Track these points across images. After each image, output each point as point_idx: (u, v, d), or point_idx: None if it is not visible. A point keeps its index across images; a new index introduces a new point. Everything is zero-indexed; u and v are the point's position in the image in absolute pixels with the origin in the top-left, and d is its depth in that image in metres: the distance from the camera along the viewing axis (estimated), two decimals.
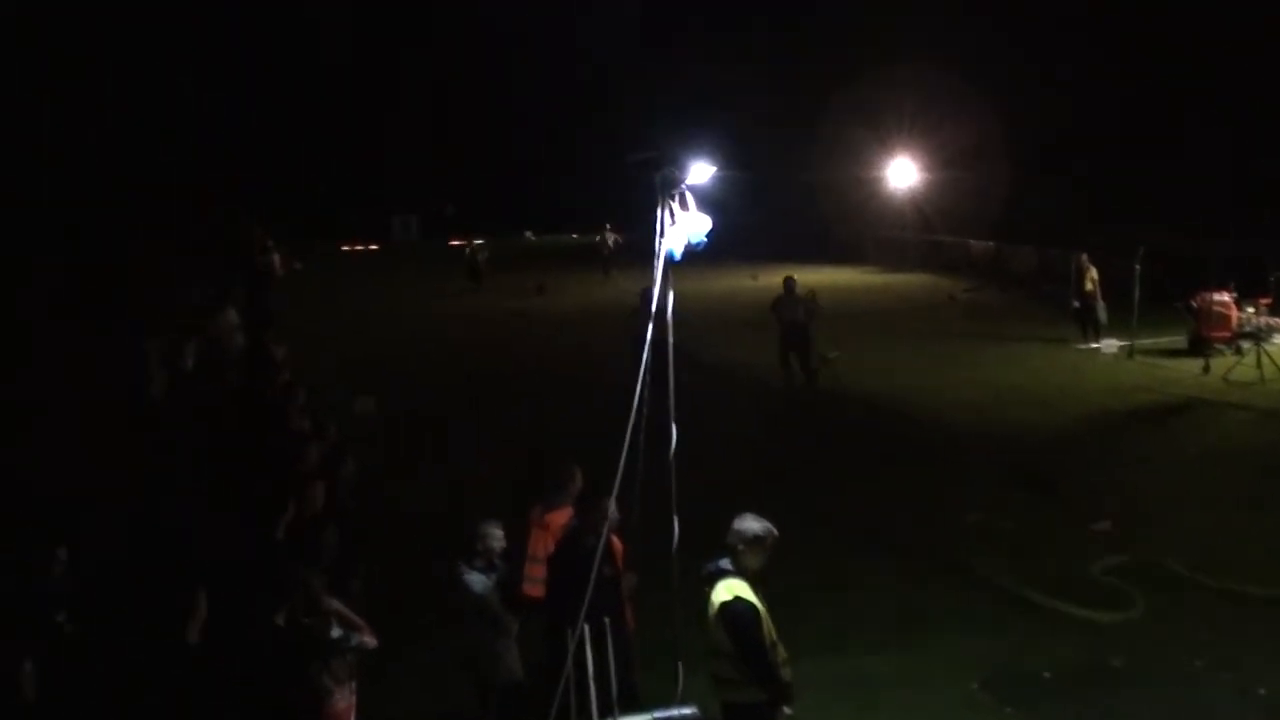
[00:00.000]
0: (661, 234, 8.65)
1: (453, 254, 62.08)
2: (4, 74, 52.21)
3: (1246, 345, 25.37)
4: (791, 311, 25.09)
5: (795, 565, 9.68)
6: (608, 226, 58.45)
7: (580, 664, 9.17)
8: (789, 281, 25.60)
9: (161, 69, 68.80)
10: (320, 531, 10.79)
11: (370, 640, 9.19)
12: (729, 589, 8.36)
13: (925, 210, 53.24)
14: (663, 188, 8.67)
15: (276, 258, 28.07)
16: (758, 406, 23.74)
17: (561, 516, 10.49)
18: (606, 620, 9.37)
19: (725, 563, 8.56)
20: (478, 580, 9.97)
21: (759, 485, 16.48)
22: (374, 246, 69.62)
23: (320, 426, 14.02)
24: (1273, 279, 27.01)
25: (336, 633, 9.00)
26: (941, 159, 52.48)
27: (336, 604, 9.19)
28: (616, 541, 9.88)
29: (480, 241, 55.75)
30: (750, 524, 8.63)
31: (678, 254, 8.70)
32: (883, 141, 54.31)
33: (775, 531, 8.64)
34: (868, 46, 53.51)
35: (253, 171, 68.52)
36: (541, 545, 10.52)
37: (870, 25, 54.45)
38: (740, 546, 8.56)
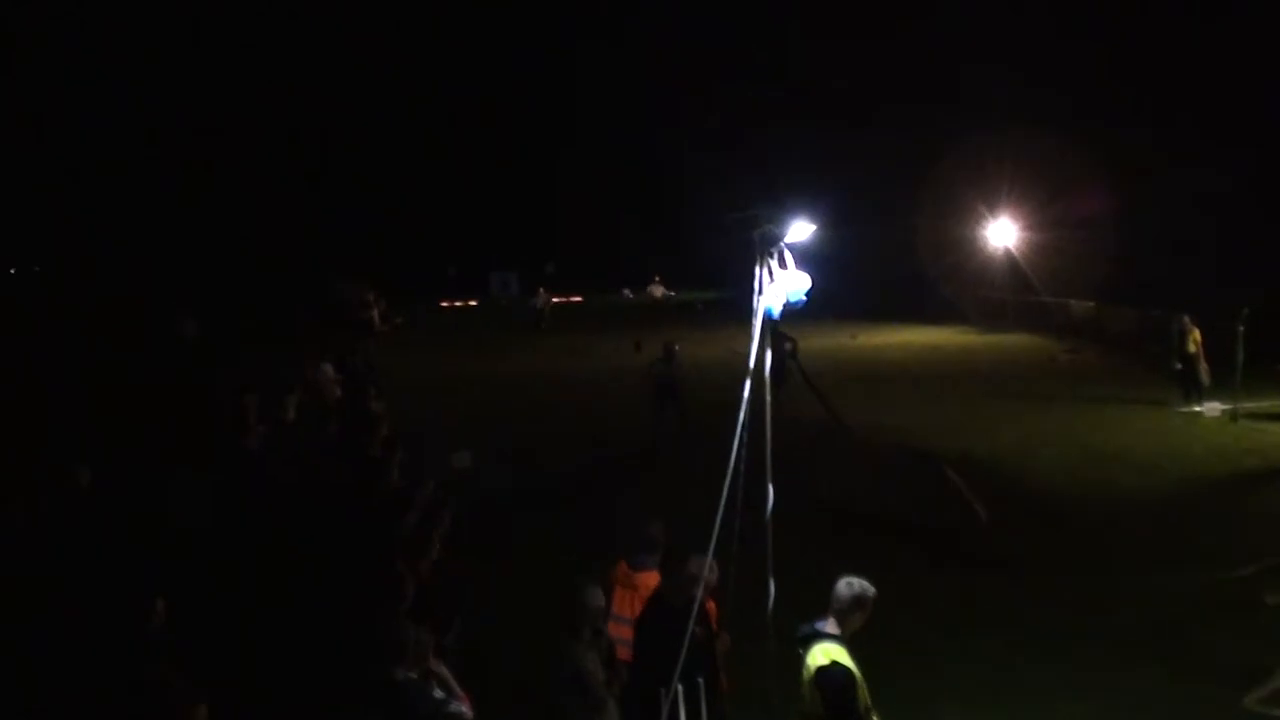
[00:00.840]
0: (760, 291, 8.61)
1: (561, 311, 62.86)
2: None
3: None
4: (777, 348, 26.42)
5: (888, 629, 9.50)
6: (656, 278, 58.91)
7: None
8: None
9: (283, 125, 70.43)
10: (432, 590, 10.76)
11: (468, 712, 9.07)
12: (825, 653, 8.22)
13: (1025, 270, 52.71)
14: (762, 245, 8.64)
15: (376, 312, 28.39)
16: (850, 465, 23.43)
17: (651, 578, 10.33)
18: (700, 681, 9.26)
19: (822, 625, 8.43)
20: (585, 654, 9.69)
21: (854, 546, 16.29)
22: (473, 303, 70.16)
23: (419, 481, 14.05)
24: None
25: (438, 694, 8.92)
26: (1042, 219, 52.03)
27: (443, 668, 9.11)
28: (711, 602, 9.73)
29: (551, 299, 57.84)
30: (850, 585, 8.49)
31: (776, 312, 8.65)
32: (984, 200, 53.94)
33: (873, 592, 8.50)
34: (971, 105, 53.28)
35: (355, 227, 69.67)
36: (627, 606, 10.35)
37: (974, 83, 54.22)
38: (840, 608, 8.44)
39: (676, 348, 25.97)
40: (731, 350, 38.52)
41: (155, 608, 9.33)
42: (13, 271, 65.63)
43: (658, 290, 59.30)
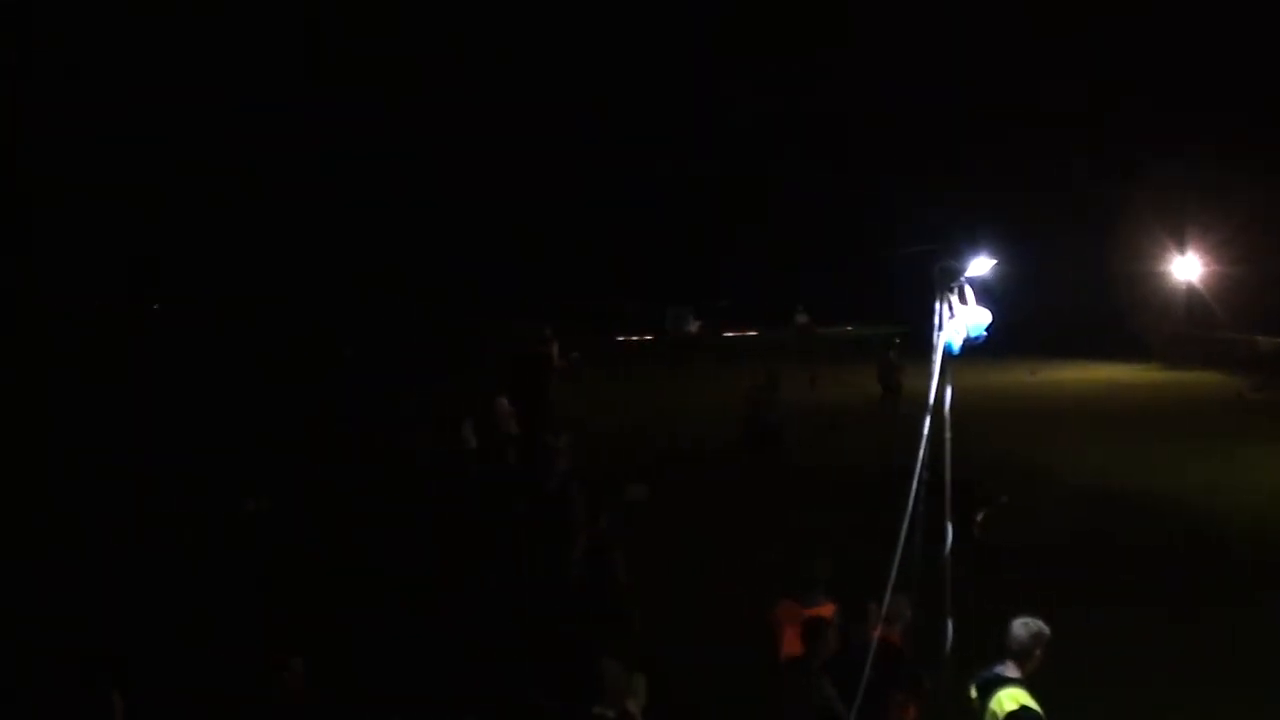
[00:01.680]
0: (940, 327, 8.51)
1: (726, 344, 62.80)
2: None
3: None
4: (886, 362, 32.50)
5: (1063, 671, 9.26)
6: (800, 307, 58.49)
7: None
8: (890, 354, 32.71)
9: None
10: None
11: None
12: (1013, 698, 8.02)
13: (1212, 306, 51.19)
14: (942, 280, 8.54)
15: (555, 348, 28.65)
16: (1033, 505, 22.87)
17: (823, 613, 10.20)
18: None
19: (1002, 669, 8.25)
20: (828, 684, 9.50)
21: (1026, 583, 15.87)
22: (649, 338, 70.35)
23: (593, 515, 14.13)
24: None
25: None
26: (1229, 253, 50.59)
27: (633, 705, 9.09)
28: (896, 639, 9.60)
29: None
30: (1026, 626, 8.32)
31: (956, 347, 8.55)
32: (1169, 233, 52.58)
33: (1049, 631, 8.33)
34: (1155, 135, 52.04)
35: (534, 265, 70.55)
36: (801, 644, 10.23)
37: (1161, 113, 53.00)
38: (1018, 650, 8.27)
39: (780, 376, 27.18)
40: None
41: (291, 666, 9.44)
42: (156, 307, 67.85)
43: (802, 319, 59.02)
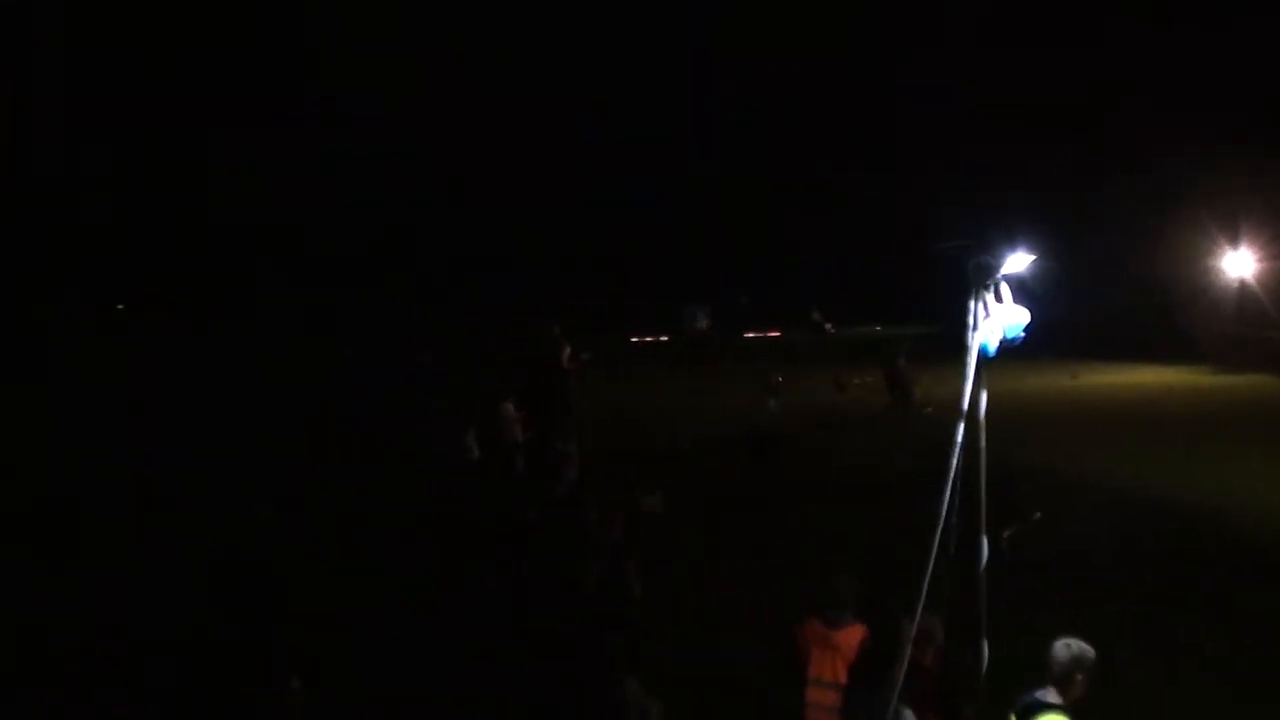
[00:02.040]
0: (974, 328, 7.98)
1: (743, 344, 62.48)
2: None
3: None
4: (893, 364, 35.13)
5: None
6: (815, 307, 58.32)
7: None
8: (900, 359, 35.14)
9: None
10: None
11: None
12: None
13: (1266, 304, 50.11)
14: (976, 277, 8.01)
15: (566, 350, 28.23)
16: (1069, 513, 22.26)
17: (852, 636, 9.71)
18: None
19: (1043, 694, 7.77)
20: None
21: (1064, 599, 15.37)
22: (664, 338, 69.99)
23: (606, 524, 13.79)
24: None
25: None
26: None
27: None
28: (928, 661, 9.11)
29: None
30: (1068, 647, 7.84)
31: (992, 349, 8.03)
32: (1220, 228, 51.68)
33: (1093, 653, 7.84)
34: (1206, 127, 51.28)
35: (534, 265, 70.53)
36: (829, 668, 9.70)
37: (1212, 108, 52.38)
38: (1060, 673, 7.78)
39: (780, 379, 28.97)
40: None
41: (292, 685, 9.38)
42: (121, 307, 68.37)
43: (816, 319, 58.87)
